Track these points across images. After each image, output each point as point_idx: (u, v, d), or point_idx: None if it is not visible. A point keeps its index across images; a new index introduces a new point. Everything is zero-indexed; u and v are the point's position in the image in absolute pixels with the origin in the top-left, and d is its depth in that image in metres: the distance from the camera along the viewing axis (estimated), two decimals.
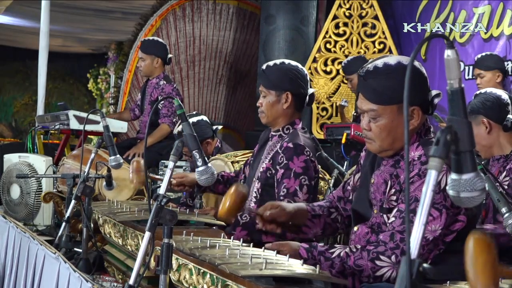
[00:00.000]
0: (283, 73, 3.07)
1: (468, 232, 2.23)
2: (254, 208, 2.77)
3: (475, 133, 2.96)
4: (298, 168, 2.94)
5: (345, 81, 6.74)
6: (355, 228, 2.37)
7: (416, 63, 2.20)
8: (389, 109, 2.17)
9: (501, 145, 3.03)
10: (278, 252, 2.05)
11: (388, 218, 2.22)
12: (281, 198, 2.93)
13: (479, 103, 3.01)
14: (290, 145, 2.98)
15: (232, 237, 2.27)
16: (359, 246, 2.16)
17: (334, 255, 2.14)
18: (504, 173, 2.96)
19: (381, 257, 2.10)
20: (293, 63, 3.14)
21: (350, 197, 2.54)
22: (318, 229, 2.56)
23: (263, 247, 2.11)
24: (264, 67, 3.13)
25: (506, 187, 2.88)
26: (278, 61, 3.14)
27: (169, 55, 5.56)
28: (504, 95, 3.02)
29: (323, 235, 2.68)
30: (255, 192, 3.10)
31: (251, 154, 3.48)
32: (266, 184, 3.06)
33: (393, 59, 2.19)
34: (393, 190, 2.21)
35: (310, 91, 3.15)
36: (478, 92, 3.12)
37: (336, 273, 2.12)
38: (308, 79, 3.16)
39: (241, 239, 2.26)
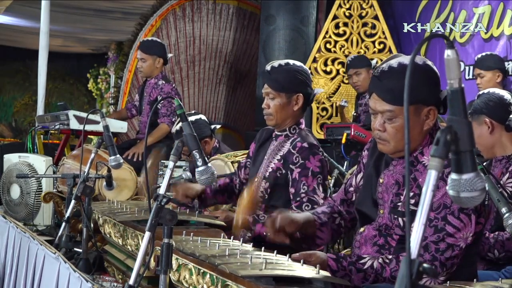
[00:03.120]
0: (292, 75, 3.04)
1: (481, 235, 2.23)
2: (263, 218, 2.77)
3: (477, 133, 2.98)
4: (315, 168, 2.95)
5: (345, 81, 6.75)
6: (362, 229, 2.35)
7: (430, 63, 2.18)
8: None
9: (503, 145, 3.03)
10: (304, 262, 1.99)
11: (404, 222, 2.20)
12: (302, 195, 2.92)
13: (482, 103, 3.01)
14: (305, 145, 2.98)
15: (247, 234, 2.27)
16: (390, 256, 2.12)
17: (366, 266, 2.09)
18: (507, 174, 2.95)
19: None
20: (297, 63, 3.11)
21: (353, 199, 2.52)
22: (328, 237, 2.53)
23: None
24: (268, 68, 3.07)
25: (511, 189, 2.87)
26: (282, 62, 3.08)
27: (169, 55, 5.56)
28: (507, 95, 3.02)
29: (332, 240, 2.65)
30: (262, 192, 3.08)
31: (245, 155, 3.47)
32: (276, 184, 3.05)
33: (407, 58, 2.18)
34: (411, 194, 2.17)
35: (319, 91, 3.15)
36: (481, 92, 3.11)
37: (370, 284, 2.09)
38: (311, 78, 3.17)
39: (264, 233, 2.25)
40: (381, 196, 2.29)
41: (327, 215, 2.53)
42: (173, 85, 5.51)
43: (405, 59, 2.19)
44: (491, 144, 3.03)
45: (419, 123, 2.17)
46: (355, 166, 2.83)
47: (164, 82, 5.41)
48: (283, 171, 3.02)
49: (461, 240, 2.05)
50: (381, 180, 2.30)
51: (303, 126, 3.13)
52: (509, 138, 3.02)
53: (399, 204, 2.21)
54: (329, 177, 4.08)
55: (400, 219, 2.20)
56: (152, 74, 5.46)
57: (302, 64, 3.12)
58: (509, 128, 2.99)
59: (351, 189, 2.53)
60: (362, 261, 2.11)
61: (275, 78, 3.04)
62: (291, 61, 3.10)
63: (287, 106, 3.06)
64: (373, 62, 5.88)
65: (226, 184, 3.41)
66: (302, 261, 1.96)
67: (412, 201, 2.15)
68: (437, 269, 2.04)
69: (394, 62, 2.18)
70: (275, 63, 3.08)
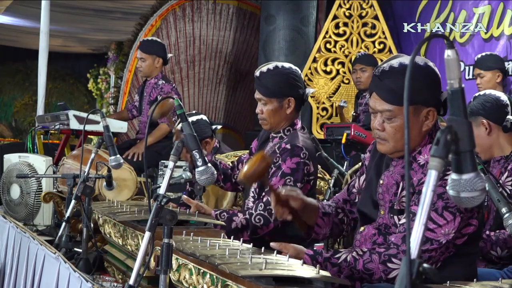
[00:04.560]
0: (281, 79, 3.02)
1: (477, 236, 2.23)
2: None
3: (475, 134, 2.98)
4: (287, 169, 2.94)
5: (345, 81, 6.75)
6: (362, 229, 2.36)
7: (431, 64, 2.18)
8: None
9: (501, 145, 3.04)
10: (279, 253, 2.03)
11: (399, 220, 2.21)
12: (263, 194, 2.95)
13: (478, 105, 3.03)
14: (288, 146, 2.98)
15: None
16: (365, 249, 2.13)
17: (340, 260, 2.10)
18: (506, 173, 2.96)
19: (393, 259, 2.08)
20: (286, 65, 3.08)
21: (356, 200, 2.52)
22: (327, 229, 2.50)
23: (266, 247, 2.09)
24: (257, 74, 3.04)
25: (510, 187, 2.89)
26: (271, 66, 3.05)
27: (169, 55, 5.56)
28: (503, 96, 3.04)
29: (330, 236, 2.64)
30: (253, 192, 3.10)
31: (248, 151, 3.47)
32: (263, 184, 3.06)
33: (408, 59, 2.17)
34: (404, 192, 2.19)
35: (310, 91, 3.14)
36: (477, 94, 3.13)
37: (345, 278, 2.09)
38: (302, 77, 3.15)
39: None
40: (382, 197, 2.30)
41: (331, 208, 2.53)
42: (173, 85, 5.51)
43: (407, 59, 2.19)
44: (489, 145, 3.04)
45: (418, 123, 2.17)
46: (355, 166, 2.83)
47: (164, 82, 5.41)
48: (270, 171, 3.03)
49: (441, 236, 2.06)
50: (381, 181, 2.31)
51: (298, 126, 3.13)
52: (507, 138, 3.04)
53: (395, 203, 2.22)
54: (329, 177, 4.09)
55: (395, 217, 2.22)
56: (151, 74, 5.46)
57: (291, 66, 3.09)
58: (506, 128, 3.01)
59: (354, 190, 2.53)
60: (337, 255, 2.12)
61: (264, 84, 3.02)
62: (280, 64, 3.07)
63: (280, 110, 3.05)
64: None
65: (226, 167, 3.40)
66: (302, 260, 1.96)
67: (403, 199, 2.16)
68: None
69: (395, 62, 2.18)
70: (264, 68, 3.05)
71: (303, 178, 2.96)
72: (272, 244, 2.09)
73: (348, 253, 2.13)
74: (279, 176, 2.93)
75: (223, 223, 2.85)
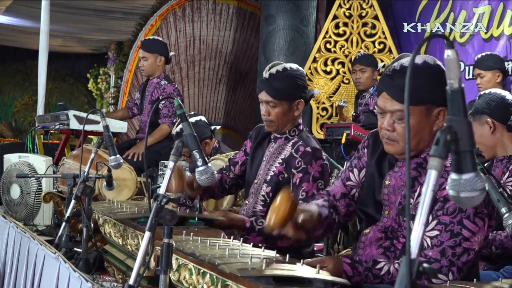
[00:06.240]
0: (292, 82, 2.99)
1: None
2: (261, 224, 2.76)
3: (479, 133, 2.98)
4: (316, 173, 2.93)
5: (345, 81, 6.75)
6: (367, 231, 2.32)
7: (439, 63, 2.16)
8: (417, 109, 2.12)
9: (504, 145, 3.04)
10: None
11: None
12: (299, 202, 2.90)
13: (483, 103, 3.02)
14: (308, 149, 2.95)
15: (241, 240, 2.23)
16: None
17: (383, 272, 2.08)
18: (507, 173, 2.95)
19: (438, 275, 2.02)
20: (294, 66, 3.05)
21: (352, 193, 2.46)
22: (321, 230, 2.45)
23: (301, 260, 1.99)
24: (266, 75, 3.00)
25: (511, 188, 2.88)
26: (280, 68, 3.00)
27: (171, 53, 5.56)
28: (508, 95, 3.03)
29: (322, 236, 2.62)
30: (263, 195, 3.07)
31: (239, 151, 3.43)
32: (278, 188, 3.02)
33: (418, 58, 2.13)
34: (419, 195, 2.15)
35: (317, 92, 3.15)
36: (482, 92, 3.13)
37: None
38: None
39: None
40: (387, 197, 2.27)
41: (327, 209, 2.46)
42: (175, 85, 5.52)
43: (417, 58, 2.16)
44: (493, 144, 3.04)
45: (430, 123, 2.15)
46: (355, 161, 2.78)
47: (166, 82, 5.41)
48: (286, 175, 3.00)
49: (475, 244, 2.05)
50: (387, 182, 2.28)
51: (301, 126, 3.12)
52: (511, 138, 3.03)
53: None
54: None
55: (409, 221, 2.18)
56: (154, 73, 5.46)
57: (298, 67, 3.07)
58: (511, 128, 3.00)
59: (350, 183, 2.46)
60: (378, 266, 2.09)
61: (275, 87, 2.98)
62: (288, 66, 3.03)
63: (289, 112, 3.03)
64: (380, 65, 5.89)
65: (218, 179, 3.30)
66: (302, 261, 1.95)
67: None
68: (454, 274, 2.03)
69: (405, 62, 2.16)
70: (273, 70, 3.00)
71: (328, 180, 2.97)
72: (306, 261, 2.00)
73: (390, 264, 2.10)
74: (311, 181, 2.91)
75: (223, 219, 2.83)
